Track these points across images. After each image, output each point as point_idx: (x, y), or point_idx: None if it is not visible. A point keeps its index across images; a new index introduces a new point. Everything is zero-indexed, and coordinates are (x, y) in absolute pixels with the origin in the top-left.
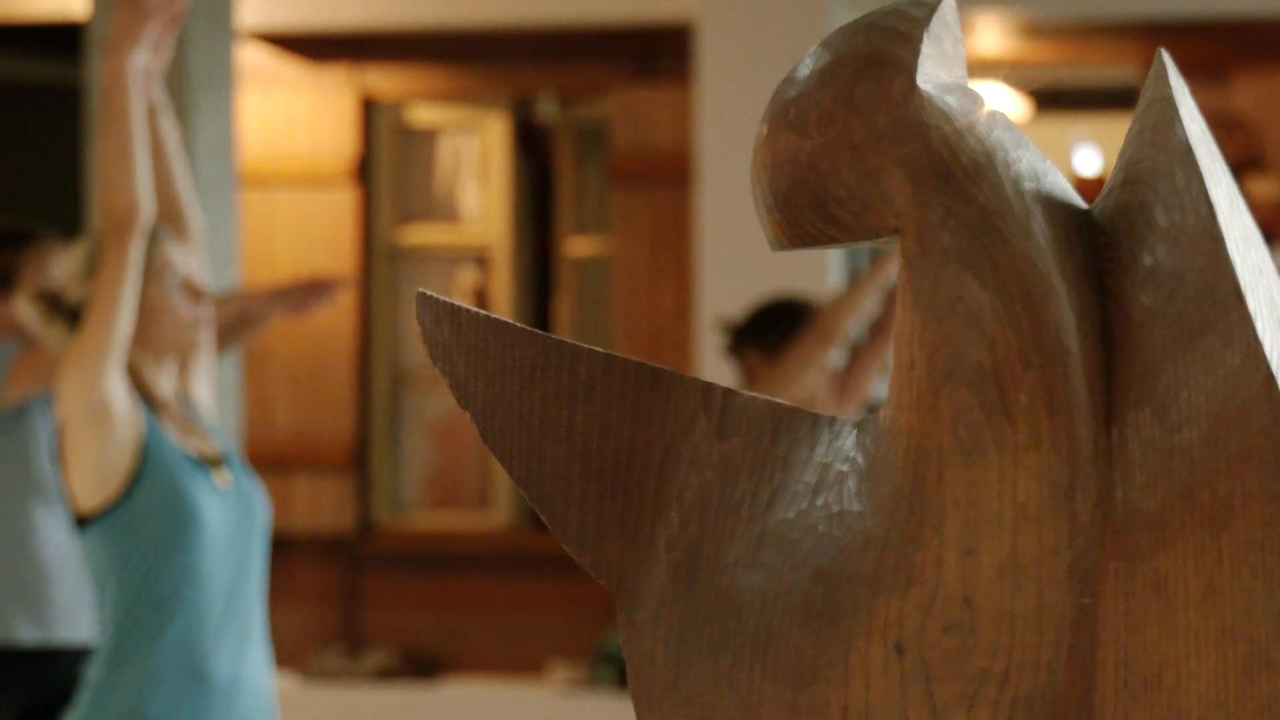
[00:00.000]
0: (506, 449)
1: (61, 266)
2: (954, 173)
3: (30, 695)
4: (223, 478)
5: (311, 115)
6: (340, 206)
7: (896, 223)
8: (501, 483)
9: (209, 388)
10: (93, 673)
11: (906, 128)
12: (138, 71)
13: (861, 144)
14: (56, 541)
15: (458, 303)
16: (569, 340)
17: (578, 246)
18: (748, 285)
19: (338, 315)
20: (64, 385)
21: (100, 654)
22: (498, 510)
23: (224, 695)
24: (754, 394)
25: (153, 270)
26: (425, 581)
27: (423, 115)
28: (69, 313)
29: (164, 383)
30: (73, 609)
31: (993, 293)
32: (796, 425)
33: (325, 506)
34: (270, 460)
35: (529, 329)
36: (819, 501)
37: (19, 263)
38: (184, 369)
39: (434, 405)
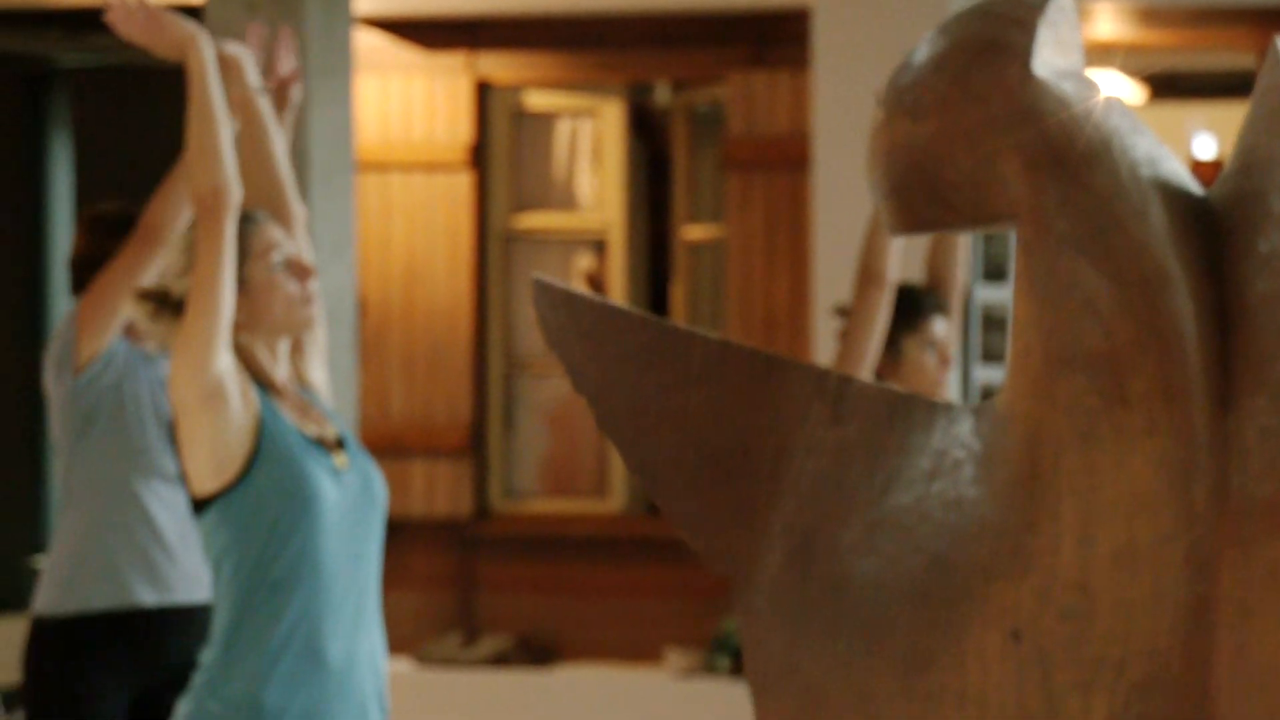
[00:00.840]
0: (621, 434)
1: (164, 261)
2: (1070, 159)
3: (152, 653)
4: (341, 460)
5: (428, 101)
6: (456, 191)
7: (1012, 209)
8: (617, 468)
9: (323, 371)
10: (208, 655)
11: (1022, 114)
12: (230, 58)
13: (977, 130)
14: (171, 506)
15: (573, 289)
16: (684, 326)
17: (693, 232)
18: None
19: (454, 300)
20: (175, 372)
21: (216, 636)
22: (613, 496)
23: (339, 678)
24: (870, 381)
25: (256, 251)
26: (540, 567)
27: (538, 100)
28: (175, 306)
29: (278, 366)
30: (191, 572)
31: (1109, 279)
32: (912, 411)
33: (441, 491)
34: (386, 445)
35: (644, 315)
36: (935, 488)
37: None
38: (297, 352)
39: (549, 390)
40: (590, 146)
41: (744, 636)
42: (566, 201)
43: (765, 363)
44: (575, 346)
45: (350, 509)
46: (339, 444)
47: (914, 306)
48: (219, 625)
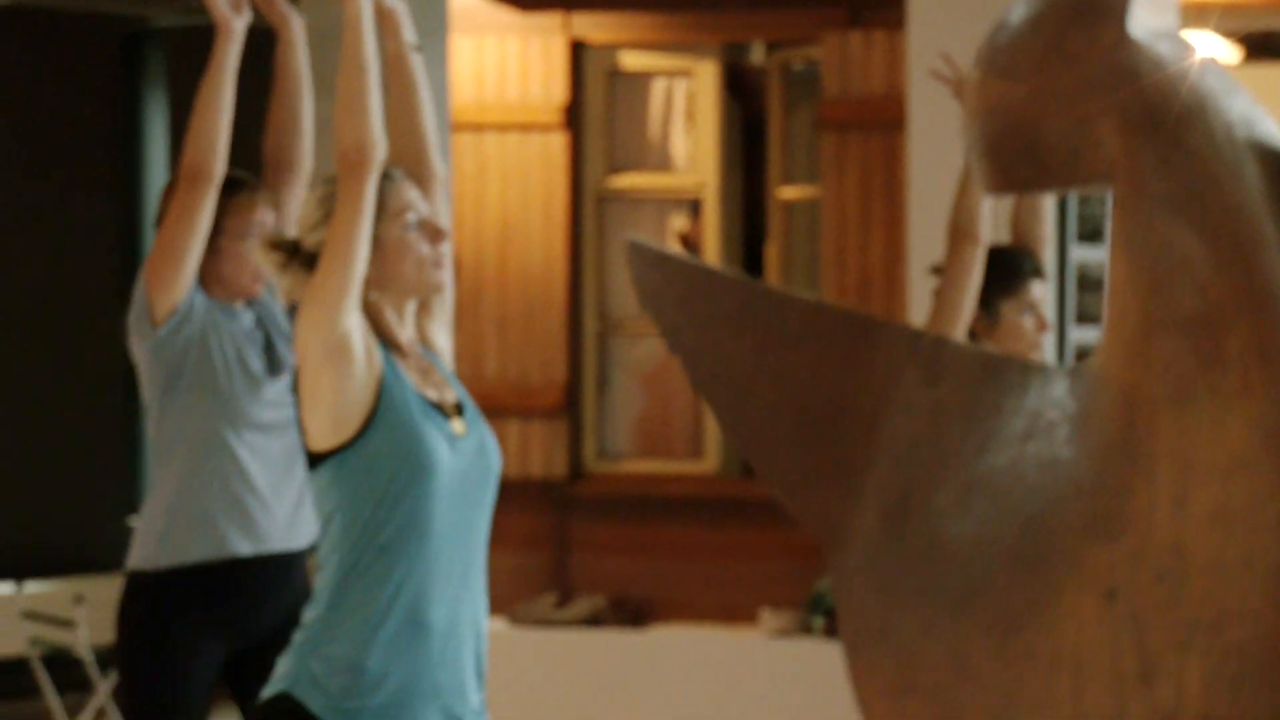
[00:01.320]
0: (717, 395)
1: (297, 212)
2: (1165, 120)
3: (249, 605)
4: (458, 426)
5: (522, 61)
6: (550, 152)
7: (1107, 169)
8: (711, 428)
9: (447, 336)
10: (311, 613)
11: (1118, 75)
12: (388, 10)
13: (1072, 91)
14: (262, 454)
15: (668, 251)
16: (778, 288)
17: (787, 192)
18: None
19: (548, 260)
20: (302, 326)
21: (321, 595)
22: (708, 456)
23: (441, 645)
24: (965, 343)
25: (392, 210)
26: (634, 528)
27: (633, 60)
28: (306, 259)
29: (404, 327)
30: (284, 520)
31: (1204, 240)
32: (1007, 373)
33: (535, 452)
34: (481, 405)
35: (739, 276)
36: (1029, 449)
37: (222, 211)
38: (424, 313)
39: (644, 350)
40: (685, 106)
41: (838, 597)
42: (661, 162)
43: (860, 324)
44: (670, 308)
45: (464, 476)
46: (458, 410)
47: (1012, 269)
48: (325, 583)
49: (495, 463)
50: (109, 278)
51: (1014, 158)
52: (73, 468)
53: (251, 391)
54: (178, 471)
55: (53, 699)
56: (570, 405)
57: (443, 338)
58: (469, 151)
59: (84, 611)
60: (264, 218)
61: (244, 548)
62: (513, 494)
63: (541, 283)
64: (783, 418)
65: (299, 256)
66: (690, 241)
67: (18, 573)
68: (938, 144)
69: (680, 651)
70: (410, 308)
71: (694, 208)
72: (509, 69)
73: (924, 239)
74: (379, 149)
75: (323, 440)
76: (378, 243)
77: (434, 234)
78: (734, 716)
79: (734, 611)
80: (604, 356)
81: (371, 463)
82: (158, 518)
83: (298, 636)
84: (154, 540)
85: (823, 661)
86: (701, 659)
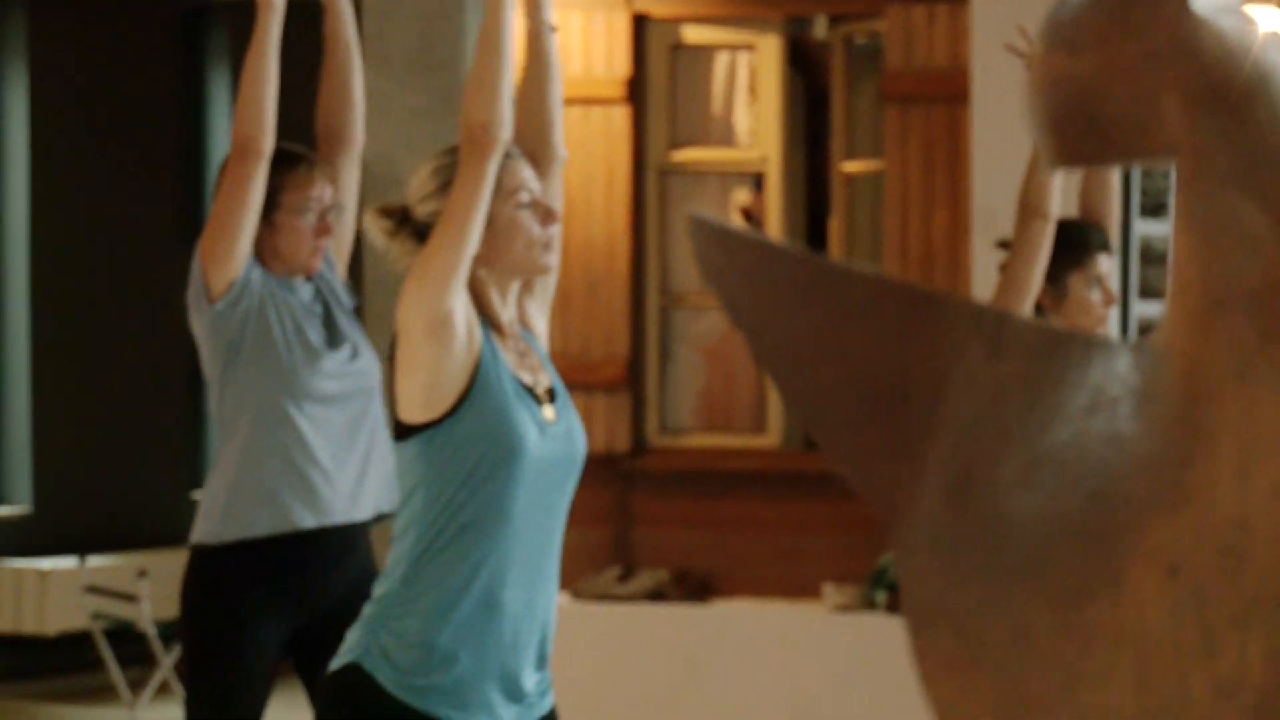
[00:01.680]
0: (779, 369)
1: (411, 182)
2: (1230, 94)
3: (313, 578)
4: (549, 412)
5: (585, 35)
6: (613, 126)
7: (1171, 144)
8: (774, 402)
9: (545, 319)
10: (384, 587)
11: (1181, 50)
12: None
13: (1136, 65)
14: (324, 426)
15: (731, 225)
16: (841, 262)
17: (850, 166)
18: None
19: (610, 234)
20: (408, 298)
21: (395, 569)
22: (771, 430)
23: (513, 628)
24: (1030, 317)
25: (506, 188)
26: (697, 502)
27: (695, 34)
28: (415, 229)
29: (506, 307)
30: (347, 493)
31: (1268, 215)
32: (1070, 348)
33: (598, 426)
34: None
35: (801, 251)
36: (1093, 424)
37: (279, 186)
38: (526, 293)
39: (706, 324)
40: (748, 81)
41: (901, 572)
42: (723, 136)
43: (923, 299)
44: (733, 282)
45: (550, 462)
46: (550, 395)
47: (1080, 243)
48: (400, 557)
49: (581, 450)
50: (173, 254)
51: (1078, 132)
52: (136, 443)
53: (311, 364)
54: (240, 445)
55: (116, 673)
56: (633, 379)
57: (541, 321)
58: None
59: (147, 586)
60: (321, 193)
61: (307, 521)
62: None
63: (604, 257)
64: (845, 392)
65: (408, 225)
66: (753, 216)
67: (81, 547)
68: (1001, 117)
69: (743, 626)
70: (514, 288)
71: (757, 182)
72: (572, 43)
73: (987, 213)
74: (505, 129)
75: (413, 413)
76: (489, 220)
77: (546, 215)
78: (796, 691)
79: (797, 586)
80: (666, 330)
81: (460, 443)
82: (221, 492)
83: (369, 609)
84: (217, 515)
85: (885, 637)
86: (764, 634)
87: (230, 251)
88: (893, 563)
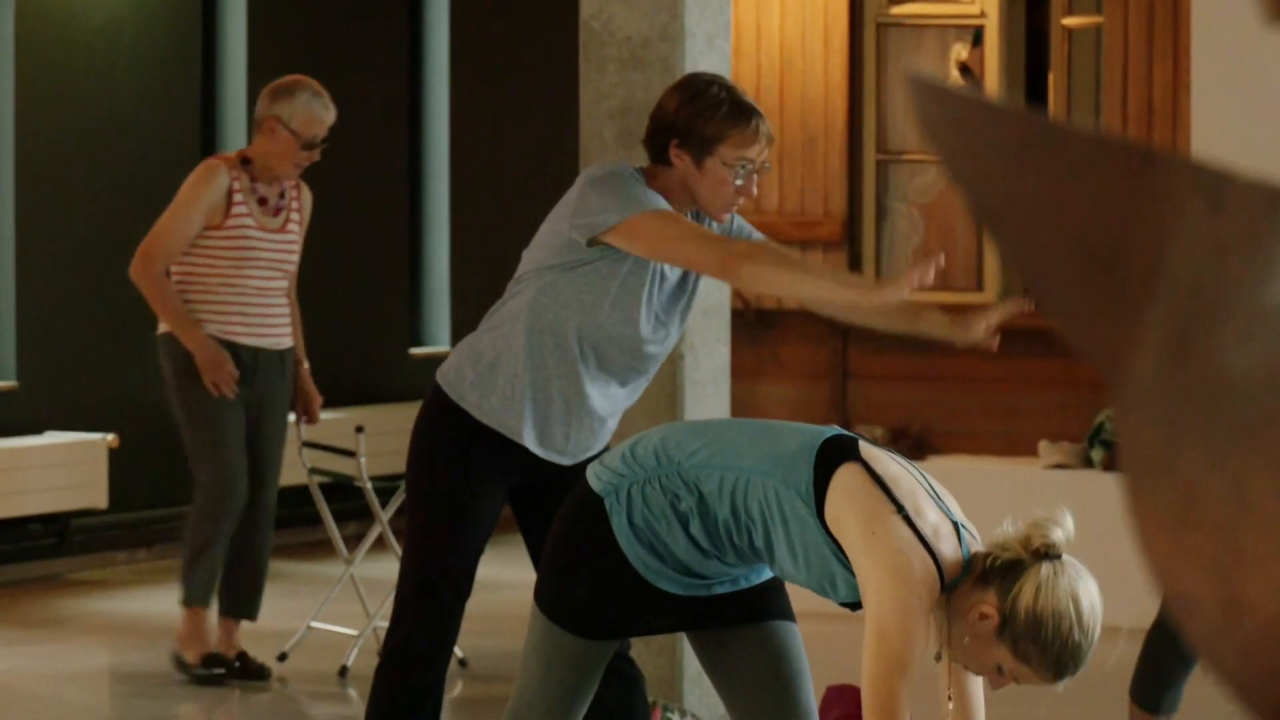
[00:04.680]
0: (998, 226)
1: None
2: None
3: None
4: None
5: None
6: None
7: None
8: (992, 259)
9: None
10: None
11: None
12: None
13: None
14: (613, 401)
15: (948, 82)
16: (1060, 119)
17: (1070, 20)
18: (1242, 59)
19: (827, 89)
20: None
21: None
22: (988, 287)
23: None
24: (1249, 174)
25: None
26: (914, 359)
27: None
28: None
29: None
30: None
31: None
32: None
33: None
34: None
35: (1020, 108)
36: None
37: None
38: None
39: (923, 181)
40: None
41: (1119, 430)
42: None
43: (1143, 155)
44: (951, 141)
45: None
46: None
47: None
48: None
49: None
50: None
51: None
52: (355, 303)
53: (627, 332)
54: (518, 354)
55: (332, 528)
56: (850, 236)
57: None
58: None
59: (364, 441)
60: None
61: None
62: (793, 326)
63: (820, 113)
64: (1064, 250)
65: None
66: (970, 71)
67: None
68: None
69: (959, 483)
70: None
71: (975, 36)
72: None
73: (1207, 67)
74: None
75: None
76: None
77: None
78: None
79: (1014, 442)
80: (883, 186)
81: None
82: (486, 378)
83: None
84: (476, 394)
85: (1101, 494)
86: (980, 490)
87: (648, 249)
88: (1110, 420)
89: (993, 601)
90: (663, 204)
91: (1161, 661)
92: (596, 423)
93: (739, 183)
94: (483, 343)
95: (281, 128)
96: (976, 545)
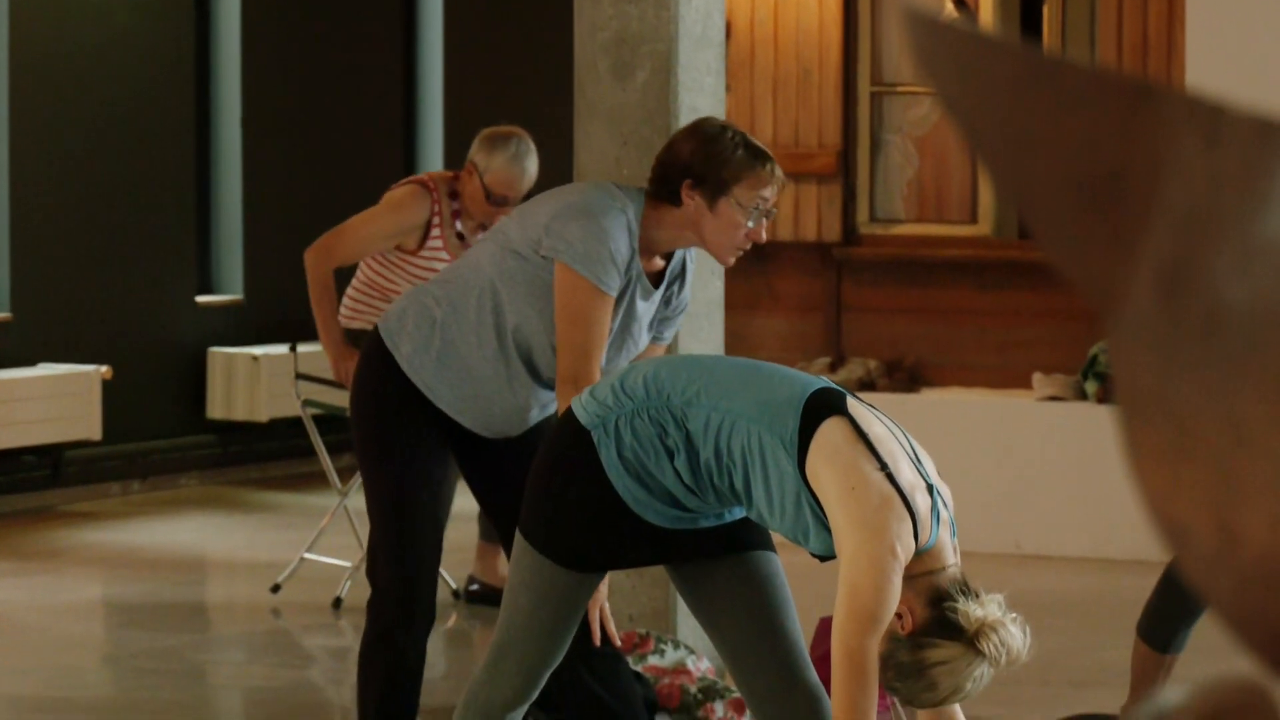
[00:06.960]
0: (993, 159)
1: None
2: None
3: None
4: None
5: None
6: None
7: None
8: (986, 191)
9: None
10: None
11: None
12: None
13: None
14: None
15: (942, 14)
16: (1055, 53)
17: None
18: None
19: (822, 21)
20: None
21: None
22: (983, 219)
23: None
24: (1243, 106)
25: None
26: (908, 291)
27: None
28: None
29: None
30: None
31: None
32: None
33: (808, 215)
34: None
35: (1015, 41)
36: None
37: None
38: None
39: (917, 112)
40: None
41: (1113, 363)
42: None
43: (1138, 88)
44: (945, 74)
45: None
46: None
47: None
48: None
49: None
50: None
51: None
52: None
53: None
54: (476, 345)
55: (325, 460)
56: (844, 168)
57: None
58: None
59: None
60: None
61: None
62: (786, 257)
63: (815, 44)
64: (1060, 183)
65: None
66: (965, 3)
67: (293, 335)
68: None
69: (953, 415)
70: None
71: None
72: None
73: (1202, 1)
74: None
75: None
76: None
77: None
78: (1005, 480)
79: (1007, 375)
80: (877, 119)
81: None
82: (434, 358)
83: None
84: (426, 366)
85: (1095, 426)
86: (974, 422)
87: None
88: (1104, 353)
89: (920, 618)
90: (613, 289)
91: (1175, 600)
92: (521, 412)
93: (750, 225)
94: (430, 299)
95: (476, 176)
96: (947, 511)
